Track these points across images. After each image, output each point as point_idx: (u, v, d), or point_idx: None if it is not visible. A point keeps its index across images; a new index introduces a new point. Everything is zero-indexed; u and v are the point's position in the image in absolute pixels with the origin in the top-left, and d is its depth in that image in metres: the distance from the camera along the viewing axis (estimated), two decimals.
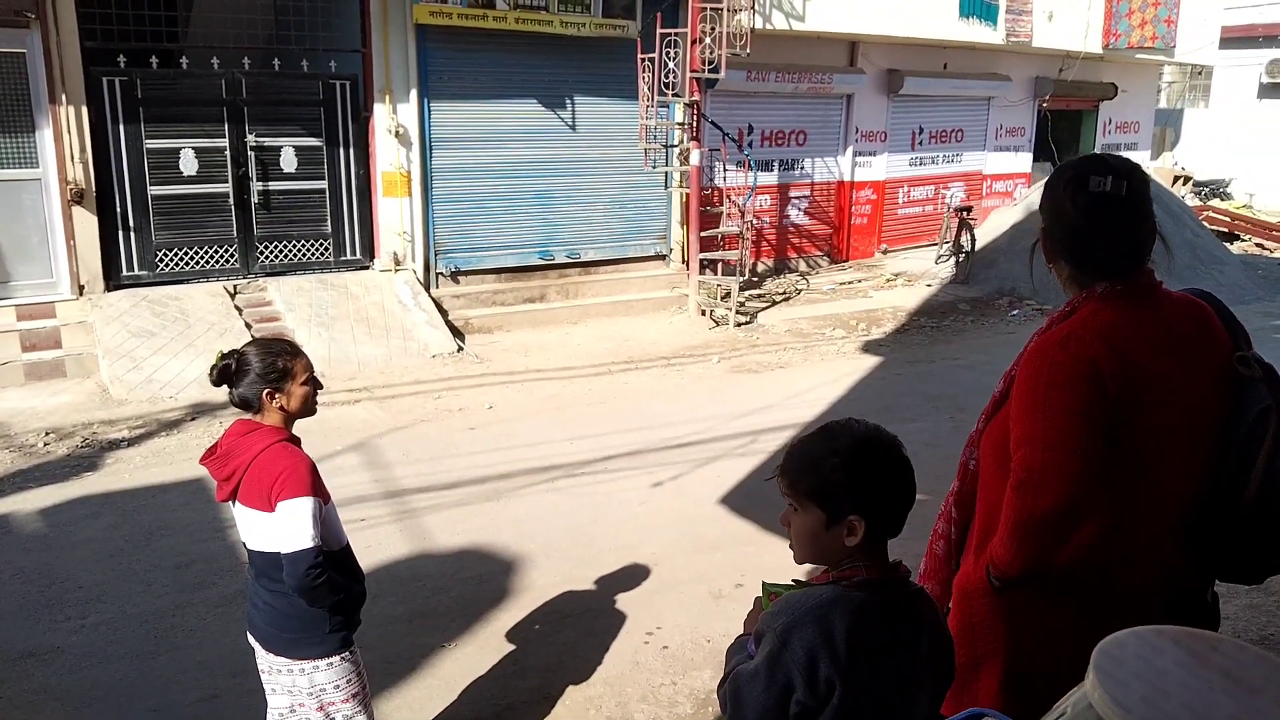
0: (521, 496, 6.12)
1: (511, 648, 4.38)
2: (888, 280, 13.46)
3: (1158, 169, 19.63)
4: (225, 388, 2.78)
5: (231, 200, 9.56)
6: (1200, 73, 22.62)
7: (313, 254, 10.12)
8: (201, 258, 9.54)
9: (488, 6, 10.20)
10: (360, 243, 10.33)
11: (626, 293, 11.56)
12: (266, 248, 9.84)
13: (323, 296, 9.61)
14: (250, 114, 9.52)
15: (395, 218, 10.27)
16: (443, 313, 10.03)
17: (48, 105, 8.56)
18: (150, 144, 9.11)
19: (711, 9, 10.64)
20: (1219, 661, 1.00)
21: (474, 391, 8.34)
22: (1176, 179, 20.48)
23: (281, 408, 2.76)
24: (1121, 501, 1.91)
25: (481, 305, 10.69)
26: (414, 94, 10.14)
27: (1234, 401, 1.95)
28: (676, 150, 11.49)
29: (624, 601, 4.79)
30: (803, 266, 14.13)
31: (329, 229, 10.16)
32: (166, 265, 9.37)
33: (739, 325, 10.86)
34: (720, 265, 11.41)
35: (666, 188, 11.81)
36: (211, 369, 2.77)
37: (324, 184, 10.06)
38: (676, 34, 10.77)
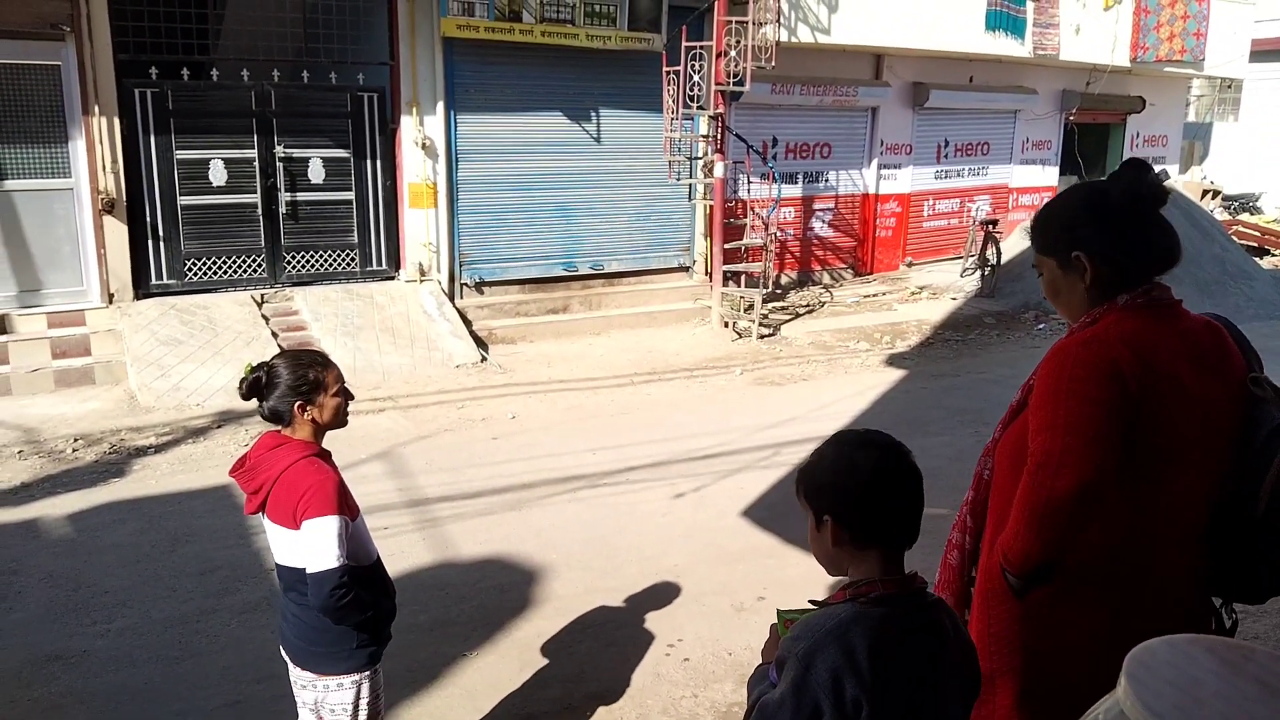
0: (544, 506, 6.12)
1: (533, 658, 4.38)
2: (912, 293, 13.40)
3: (1186, 183, 19.45)
4: (255, 401, 2.75)
5: (260, 210, 9.66)
6: (1230, 86, 22.41)
7: (339, 264, 10.20)
8: (229, 267, 9.64)
9: (514, 20, 10.28)
10: (386, 253, 10.40)
11: (650, 304, 11.57)
12: (294, 258, 9.93)
13: (349, 306, 9.68)
14: (279, 125, 9.63)
15: (421, 229, 10.34)
16: (467, 323, 10.08)
17: (81, 116, 8.70)
18: (180, 154, 9.23)
19: (737, 22, 10.67)
20: (1254, 671, 0.99)
21: (497, 401, 8.37)
22: (1205, 193, 20.28)
23: (313, 420, 2.73)
24: (1137, 503, 1.91)
25: (505, 316, 10.73)
26: (440, 106, 10.23)
27: (1246, 419, 1.97)
28: (700, 163, 11.50)
29: (645, 613, 4.78)
30: (826, 279, 14.10)
31: (355, 239, 10.24)
32: (195, 274, 9.48)
33: (762, 337, 10.84)
34: (744, 277, 11.40)
35: (690, 200, 11.83)
36: (241, 382, 2.74)
37: (351, 195, 10.15)
38: (701, 47, 10.80)
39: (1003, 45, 14.38)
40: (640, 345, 10.48)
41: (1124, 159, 2.05)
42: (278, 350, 8.59)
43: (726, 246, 11.23)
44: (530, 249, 11.15)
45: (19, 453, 6.86)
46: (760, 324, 10.94)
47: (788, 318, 11.88)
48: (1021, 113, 16.17)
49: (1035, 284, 12.75)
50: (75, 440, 7.09)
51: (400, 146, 10.20)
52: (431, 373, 9.04)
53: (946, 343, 11.01)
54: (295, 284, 9.89)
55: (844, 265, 14.46)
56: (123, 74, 8.85)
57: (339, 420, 2.80)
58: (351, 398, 2.85)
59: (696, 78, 10.84)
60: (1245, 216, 19.60)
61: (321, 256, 10.09)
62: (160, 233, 9.26)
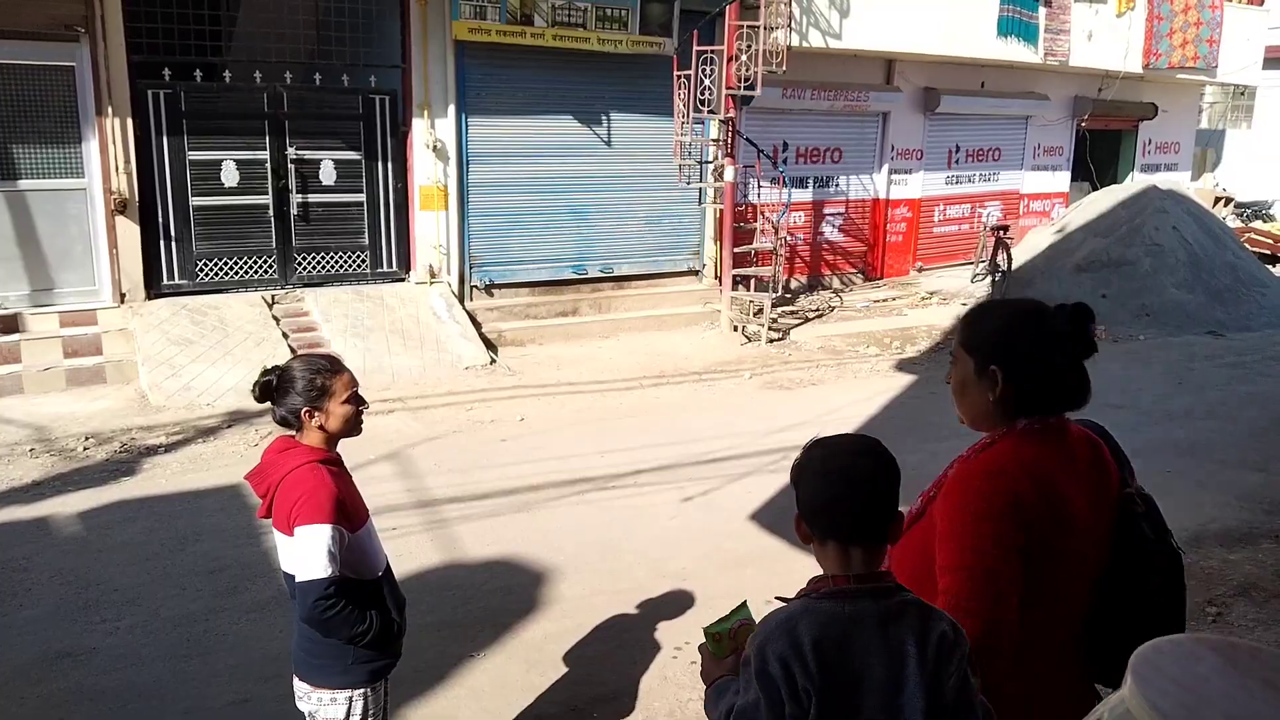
0: (552, 508, 6.13)
1: (539, 659, 4.38)
2: (923, 298, 13.38)
3: (1198, 190, 19.37)
4: (270, 404, 2.73)
5: (271, 212, 9.70)
6: (1243, 93, 22.33)
7: (350, 266, 10.23)
8: (241, 268, 9.68)
9: (526, 23, 10.30)
10: (397, 255, 10.43)
11: (659, 308, 11.58)
12: (305, 259, 9.96)
13: (359, 308, 9.71)
14: (291, 127, 9.66)
15: (431, 231, 10.37)
16: (476, 325, 10.10)
17: (94, 117, 8.75)
18: (193, 155, 9.28)
19: (748, 27, 10.67)
20: (1260, 671, 0.99)
21: (506, 403, 8.38)
22: (1218, 200, 20.20)
23: (321, 426, 2.69)
24: (1035, 623, 1.97)
25: (515, 318, 10.75)
26: (452, 109, 10.25)
27: (1121, 531, 2.08)
28: (711, 167, 11.51)
29: (652, 615, 4.78)
30: (836, 283, 14.08)
31: (366, 241, 10.27)
32: (206, 275, 9.52)
33: (771, 341, 10.83)
34: (753, 281, 11.40)
35: (700, 204, 11.83)
36: (255, 384, 2.73)
37: (362, 197, 10.18)
38: (713, 51, 10.80)
39: (1014, 51, 14.36)
40: (649, 348, 10.49)
41: (1076, 303, 2.05)
42: (288, 351, 8.62)
43: (736, 250, 11.23)
44: (540, 252, 11.17)
45: (30, 451, 6.89)
46: (769, 328, 10.93)
47: (797, 322, 11.87)
48: (1033, 119, 16.14)
49: (1046, 290, 12.77)
50: (86, 439, 7.12)
51: (411, 149, 10.23)
52: (441, 374, 9.05)
53: None
54: (306, 285, 9.92)
55: (854, 270, 14.45)
56: (136, 75, 8.90)
57: (349, 429, 2.75)
58: (365, 405, 2.79)
59: (707, 82, 10.85)
60: (1258, 224, 19.51)
61: (332, 258, 10.12)
62: (172, 233, 9.30)
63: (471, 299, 10.68)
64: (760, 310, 11.02)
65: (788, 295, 12.95)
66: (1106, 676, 2.12)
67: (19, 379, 8.14)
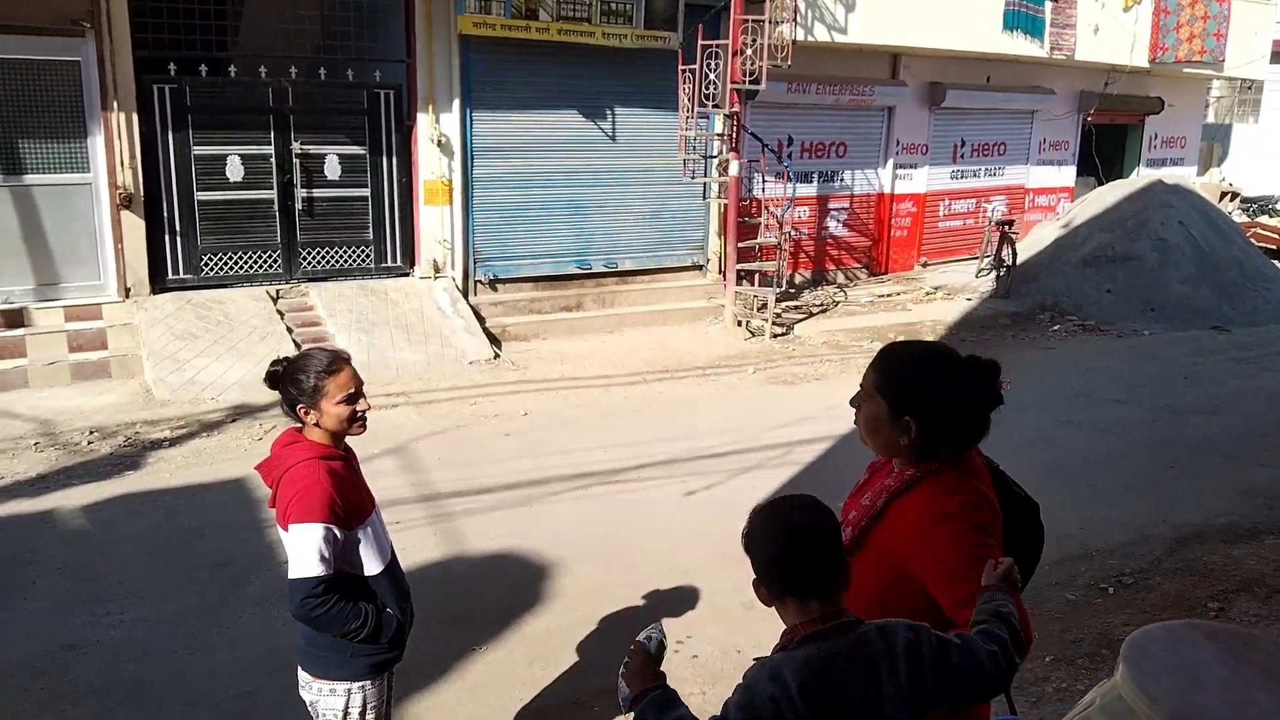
0: (555, 503, 6.14)
1: (542, 653, 4.40)
2: (927, 293, 13.36)
3: (1204, 184, 19.29)
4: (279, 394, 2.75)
5: (276, 206, 9.71)
6: (1250, 87, 22.21)
7: (354, 260, 10.24)
8: (245, 262, 9.69)
9: (531, 18, 10.30)
10: (401, 250, 10.44)
11: (663, 302, 11.57)
12: (309, 253, 9.98)
13: (363, 302, 9.72)
14: (296, 122, 9.67)
15: (436, 226, 10.37)
16: (480, 320, 10.10)
17: (100, 112, 8.76)
18: (198, 150, 9.29)
19: (753, 21, 10.65)
20: (1257, 658, 0.99)
21: (510, 398, 8.39)
22: (1224, 195, 20.12)
23: (316, 424, 2.69)
24: None
25: (519, 313, 10.76)
26: (456, 103, 10.25)
27: (998, 485, 2.32)
28: (715, 161, 11.49)
29: (655, 610, 4.78)
30: (841, 278, 14.07)
31: (371, 236, 10.28)
32: (211, 269, 9.53)
33: (775, 336, 10.83)
34: (757, 276, 11.39)
35: (705, 198, 11.81)
36: (266, 374, 2.75)
37: (367, 191, 10.19)
38: (717, 45, 10.79)
39: (1020, 45, 14.31)
40: (653, 343, 10.49)
41: (989, 360, 2.21)
42: (293, 345, 8.65)
43: (740, 245, 11.22)
44: (544, 246, 11.17)
45: (35, 445, 6.91)
46: (773, 323, 10.92)
47: (801, 317, 11.86)
48: (1039, 113, 16.09)
49: (1050, 285, 12.75)
50: (91, 433, 7.15)
51: (416, 143, 10.23)
52: (445, 369, 9.06)
53: (961, 343, 10.95)
54: (310, 280, 9.93)
55: (858, 265, 14.43)
56: (141, 70, 8.90)
57: (347, 428, 2.73)
58: (365, 405, 2.76)
59: (712, 76, 10.83)
60: (1264, 219, 19.43)
61: (337, 253, 10.13)
62: (177, 228, 9.32)
63: (475, 294, 10.69)
64: (764, 305, 11.01)
65: (792, 290, 12.94)
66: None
67: (24, 373, 8.16)
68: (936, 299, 13.11)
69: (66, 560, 5.21)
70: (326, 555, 2.59)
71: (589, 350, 10.16)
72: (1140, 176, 16.13)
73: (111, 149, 8.81)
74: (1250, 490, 6.55)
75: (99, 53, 8.63)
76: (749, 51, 10.70)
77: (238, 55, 9.75)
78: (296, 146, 9.68)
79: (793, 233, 13.02)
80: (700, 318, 11.46)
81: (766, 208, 11.90)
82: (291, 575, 2.60)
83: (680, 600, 4.89)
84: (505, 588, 5.02)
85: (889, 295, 13.23)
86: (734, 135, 11.11)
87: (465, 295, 10.44)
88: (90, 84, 8.72)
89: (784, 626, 2.00)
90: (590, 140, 11.22)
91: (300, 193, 9.79)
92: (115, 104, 8.73)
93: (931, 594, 2.10)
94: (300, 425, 2.74)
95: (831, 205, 13.94)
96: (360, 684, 2.77)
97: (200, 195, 9.37)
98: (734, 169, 11.13)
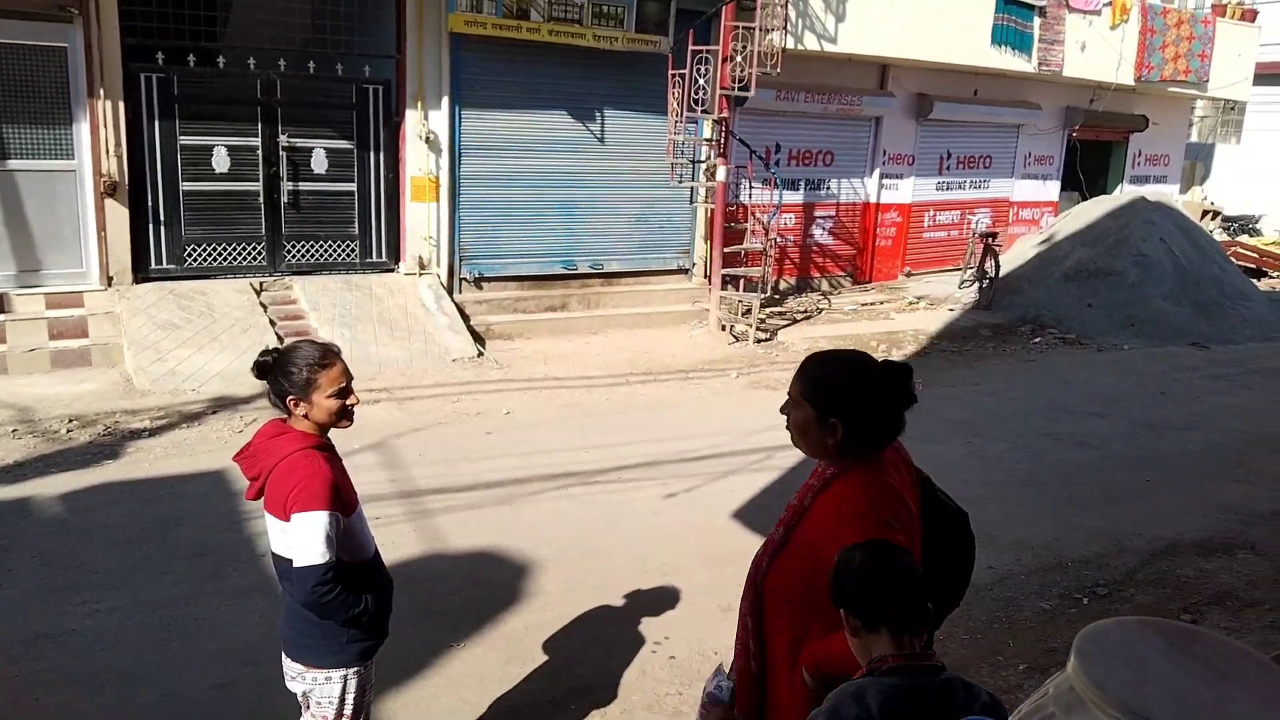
0: (536, 502, 6.14)
1: (519, 651, 4.40)
2: (910, 303, 13.44)
3: (1187, 202, 19.51)
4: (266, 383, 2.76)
5: (261, 199, 9.68)
6: (1233, 108, 22.46)
7: (339, 255, 10.22)
8: (229, 254, 9.65)
9: (522, 17, 10.31)
10: (386, 245, 10.42)
11: (648, 305, 11.60)
12: (294, 247, 9.94)
13: (347, 297, 9.69)
14: (284, 115, 9.64)
15: (422, 222, 10.36)
16: (465, 318, 10.10)
17: (86, 99, 8.70)
18: (184, 140, 9.25)
19: (744, 28, 10.70)
20: (1201, 652, 1.04)
21: (492, 397, 8.39)
22: (1205, 213, 20.36)
23: (306, 415, 2.72)
24: None
25: (503, 312, 10.75)
26: (445, 101, 10.25)
27: (926, 498, 2.49)
28: (703, 166, 11.53)
29: (633, 610, 4.80)
30: (825, 286, 14.13)
31: (356, 231, 10.26)
32: (195, 260, 9.49)
33: (759, 342, 10.87)
34: (742, 281, 11.43)
35: (691, 203, 11.85)
36: (255, 363, 2.76)
37: (353, 186, 10.16)
38: (708, 51, 10.83)
39: (1008, 60, 14.43)
40: (637, 345, 10.51)
41: (901, 362, 2.39)
42: (275, 338, 8.62)
43: (726, 250, 11.26)
44: (530, 246, 11.17)
45: (13, 432, 6.86)
46: (757, 328, 10.96)
47: (785, 323, 11.91)
48: (1024, 127, 16.23)
49: (1032, 298, 12.85)
50: (70, 421, 7.10)
51: (404, 140, 10.22)
52: (428, 366, 9.05)
53: (942, 353, 11.04)
54: (294, 273, 9.90)
55: (843, 273, 14.50)
56: (129, 58, 8.86)
57: (335, 422, 2.76)
58: (354, 400, 2.79)
59: (702, 81, 10.87)
60: (1244, 238, 19.67)
61: (321, 247, 10.11)
62: (161, 217, 9.27)
63: (460, 291, 10.68)
64: (748, 310, 11.05)
65: (776, 296, 13.00)
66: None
67: (3, 359, 8.10)
68: (919, 309, 13.19)
69: (43, 549, 5.18)
70: (334, 541, 2.64)
71: (573, 351, 10.16)
72: (1123, 193, 16.29)
73: (97, 136, 8.76)
74: (1224, 505, 6.62)
75: (86, 39, 8.58)
76: (739, 58, 10.74)
77: (226, 46, 9.71)
78: (284, 139, 9.65)
79: (778, 239, 13.07)
80: (684, 321, 11.49)
81: (753, 214, 11.95)
82: (299, 563, 2.62)
83: (659, 601, 4.90)
84: (483, 585, 5.02)
85: (872, 304, 13.30)
86: (722, 141, 11.15)
87: (450, 293, 10.43)
88: (77, 70, 8.67)
89: None
90: (579, 141, 11.23)
91: (286, 185, 9.76)
92: (102, 91, 8.68)
93: None
94: (286, 417, 2.76)
95: (817, 213, 14.01)
96: (354, 669, 2.83)
97: (185, 185, 9.33)
98: (721, 174, 11.17)
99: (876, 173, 14.41)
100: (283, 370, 2.71)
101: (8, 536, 5.29)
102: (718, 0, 10.97)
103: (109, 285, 8.98)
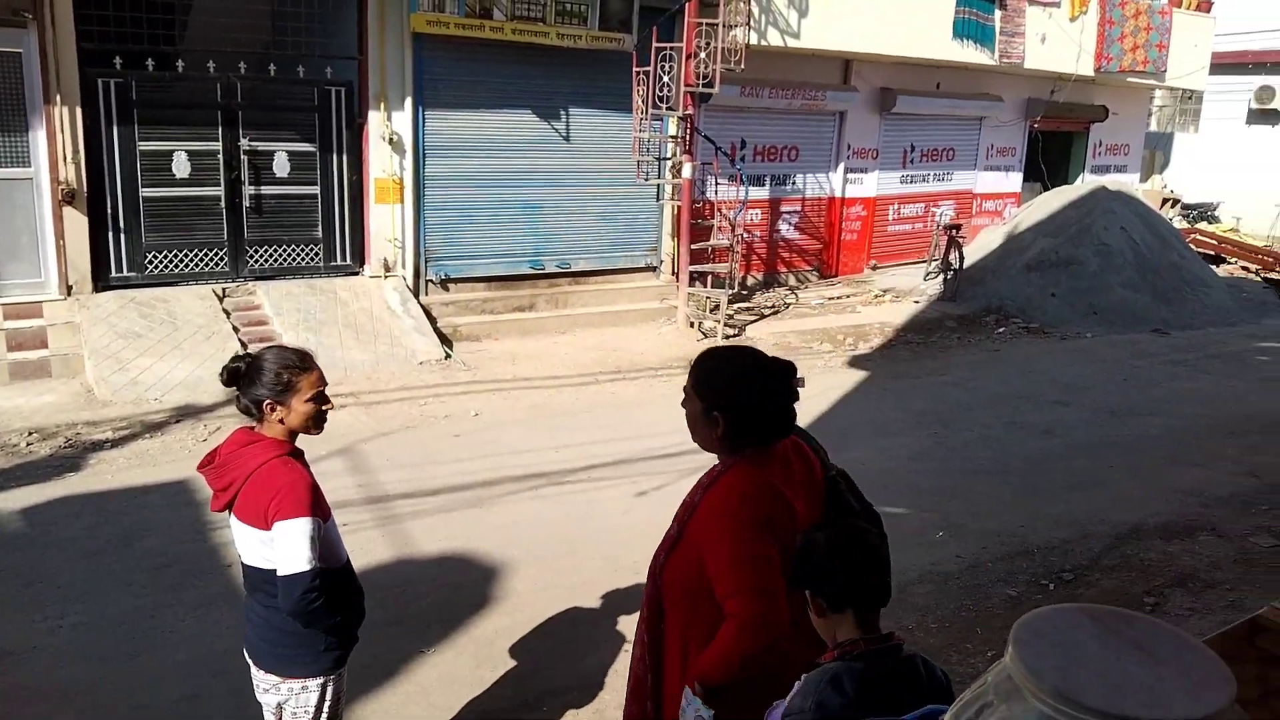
0: (505, 504, 6.13)
1: (490, 654, 4.40)
2: (876, 296, 13.53)
3: (1147, 191, 19.76)
4: (235, 392, 2.74)
5: (223, 204, 9.57)
6: (1190, 97, 22.78)
7: (303, 259, 10.13)
8: (191, 261, 9.54)
9: (485, 16, 10.26)
10: (351, 248, 10.35)
11: (616, 303, 11.60)
12: (257, 252, 9.85)
13: (311, 301, 9.62)
14: (244, 118, 9.54)
15: (387, 224, 10.30)
16: (431, 320, 10.05)
17: (42, 105, 8.57)
18: (143, 146, 9.12)
19: (707, 24, 10.72)
20: (1132, 635, 1.09)
21: (460, 399, 8.36)
22: (1165, 201, 20.63)
23: (281, 420, 2.69)
24: (794, 613, 2.28)
25: (470, 313, 10.71)
26: (409, 102, 10.19)
27: (832, 504, 2.54)
28: (669, 163, 11.54)
29: (605, 610, 4.81)
30: (792, 281, 14.20)
31: (320, 234, 10.18)
32: (156, 267, 9.37)
33: (727, 338, 10.90)
34: (710, 278, 11.46)
35: (658, 200, 11.86)
36: (224, 368, 2.73)
37: (316, 189, 10.08)
38: (672, 48, 10.83)
39: (970, 53, 14.55)
40: (605, 344, 10.51)
41: (786, 360, 2.47)
42: (239, 345, 8.53)
43: (693, 247, 11.28)
44: (497, 246, 11.13)
45: None
46: (726, 324, 11.00)
47: (753, 318, 11.95)
48: (987, 119, 16.38)
49: (996, 289, 12.98)
50: (30, 434, 7.00)
51: (367, 141, 10.15)
52: (394, 369, 9.00)
53: (908, 345, 11.13)
54: (258, 278, 9.81)
55: (809, 268, 14.57)
56: (86, 63, 8.73)
57: (310, 427, 2.75)
58: (329, 405, 2.79)
59: (666, 79, 10.88)
60: (1203, 225, 19.97)
61: (285, 251, 10.02)
62: (121, 224, 9.15)
63: (426, 293, 10.62)
64: (717, 306, 11.08)
65: (744, 292, 13.04)
66: None
67: None
68: (885, 301, 13.28)
69: (3, 564, 5.10)
70: (317, 548, 2.62)
71: (541, 351, 10.15)
72: (1085, 183, 16.48)
73: (54, 143, 8.63)
74: (1186, 489, 6.73)
75: (41, 45, 8.45)
76: (703, 55, 10.76)
77: (185, 50, 9.60)
78: (245, 143, 9.55)
79: (745, 235, 13.12)
80: (653, 319, 11.50)
81: (719, 210, 11.98)
82: (286, 571, 2.58)
83: (631, 600, 4.90)
84: (453, 589, 5.00)
85: (839, 298, 13.38)
86: (687, 138, 11.16)
87: (416, 295, 10.37)
88: (32, 76, 8.53)
89: None
90: (544, 140, 11.21)
91: (248, 190, 9.67)
92: (58, 97, 8.55)
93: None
94: (257, 424, 2.73)
95: (783, 208, 14.06)
96: (331, 677, 2.82)
97: (145, 191, 9.21)
98: (687, 171, 11.19)
99: (841, 167, 14.48)
100: (259, 375, 2.67)
101: None
102: None
103: (68, 294, 8.86)
